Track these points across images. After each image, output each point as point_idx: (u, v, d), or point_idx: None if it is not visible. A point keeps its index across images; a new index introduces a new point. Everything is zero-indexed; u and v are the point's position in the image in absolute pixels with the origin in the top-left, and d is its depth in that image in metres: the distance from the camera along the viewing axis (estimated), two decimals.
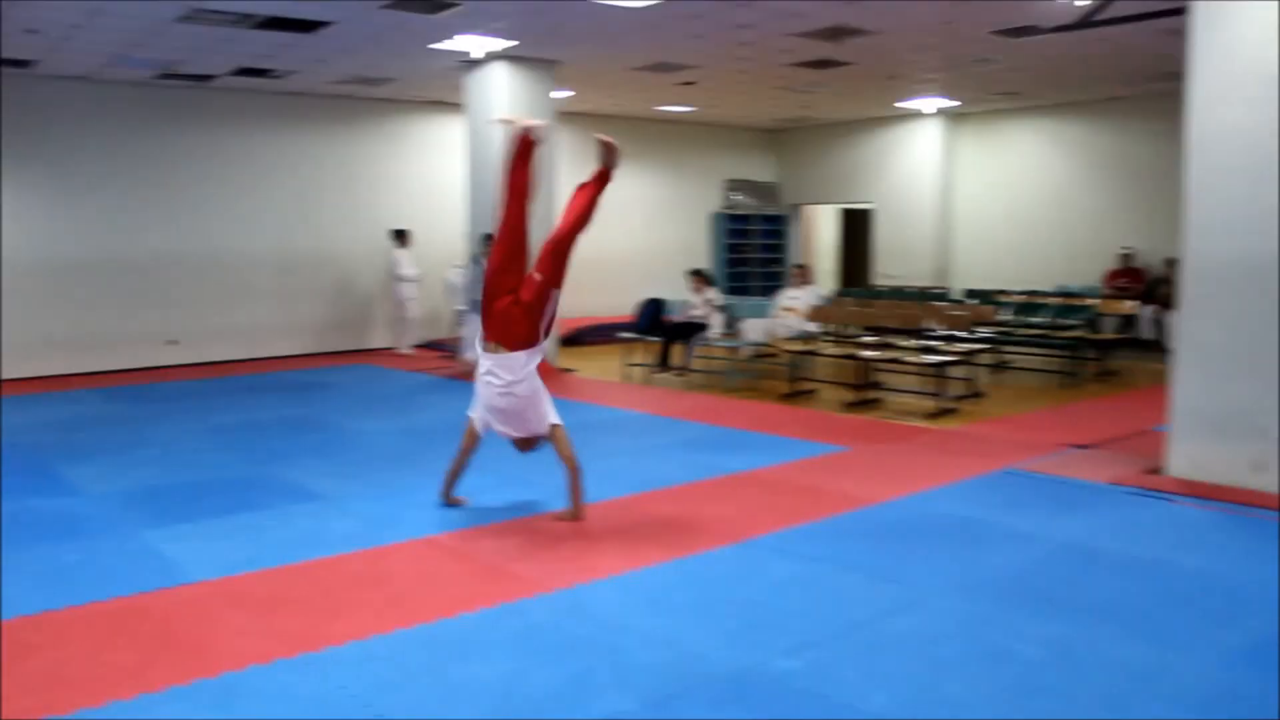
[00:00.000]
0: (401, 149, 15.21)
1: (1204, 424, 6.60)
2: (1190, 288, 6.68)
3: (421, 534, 5.62)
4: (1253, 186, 6.31)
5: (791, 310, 12.51)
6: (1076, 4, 9.01)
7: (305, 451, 7.85)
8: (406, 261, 14.32)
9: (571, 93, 14.32)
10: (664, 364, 11.70)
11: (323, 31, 10.06)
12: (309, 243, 14.33)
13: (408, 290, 14.33)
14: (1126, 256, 15.05)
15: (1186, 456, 6.69)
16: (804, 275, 13.27)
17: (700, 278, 12.24)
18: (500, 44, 11.11)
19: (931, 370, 9.91)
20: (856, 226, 20.27)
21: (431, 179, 15.35)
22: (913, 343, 11.14)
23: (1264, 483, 6.28)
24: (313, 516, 6.01)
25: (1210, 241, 6.54)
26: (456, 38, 10.70)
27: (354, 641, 4.07)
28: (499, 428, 6.05)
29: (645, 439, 8.41)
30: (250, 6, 9.08)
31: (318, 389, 11.19)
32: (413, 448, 8.04)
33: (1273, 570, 5.01)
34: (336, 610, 4.45)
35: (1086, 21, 9.22)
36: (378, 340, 14.92)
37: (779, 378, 11.44)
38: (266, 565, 5.07)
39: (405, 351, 14.28)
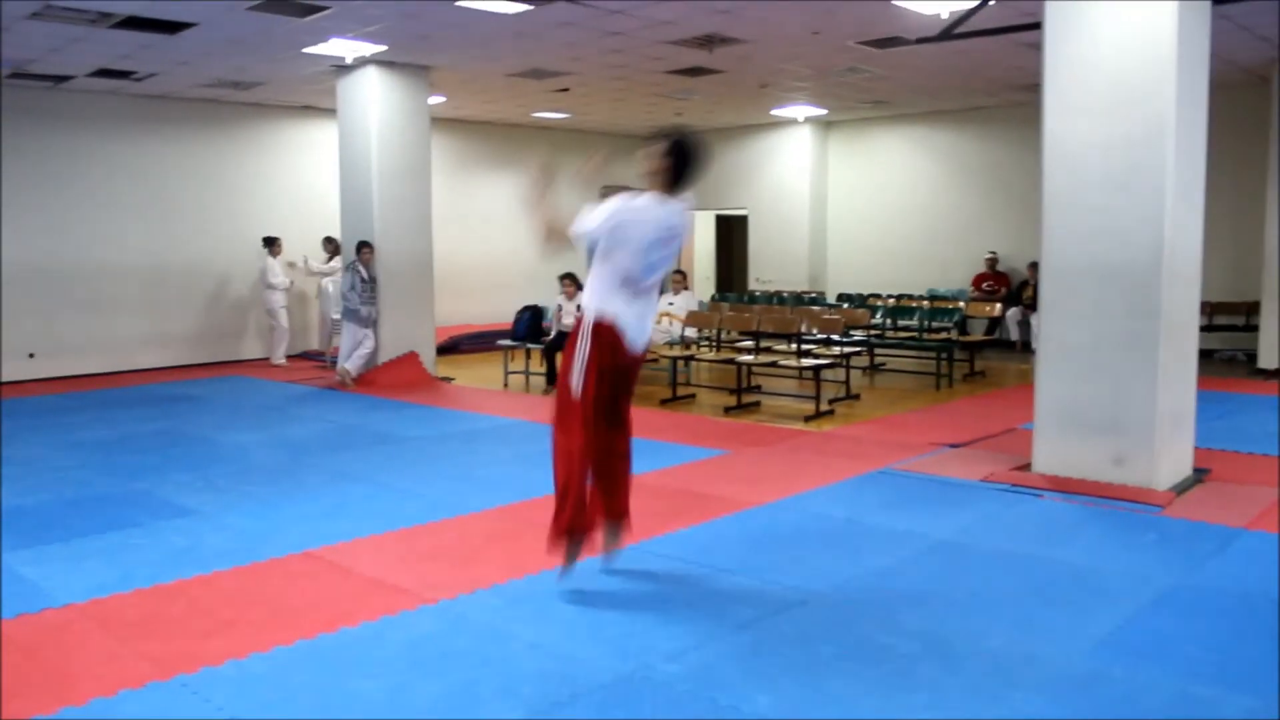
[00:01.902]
0: (273, 155, 14.88)
1: (1067, 421, 6.86)
2: (1049, 290, 6.95)
3: (300, 548, 5.51)
4: (1104, 192, 6.59)
5: (669, 316, 12.60)
6: (941, 16, 9.28)
7: (176, 466, 7.62)
8: (277, 270, 14.03)
9: (445, 99, 14.21)
10: (546, 373, 11.65)
11: (186, 33, 9.78)
12: (177, 251, 13.91)
13: (278, 299, 14.04)
14: (992, 261, 15.55)
15: (1052, 453, 6.95)
16: (681, 281, 13.38)
17: (571, 281, 12.26)
18: (372, 49, 10.97)
19: (808, 374, 10.10)
20: (732, 232, 20.52)
21: (304, 186, 15.06)
22: (789, 347, 11.34)
23: (1124, 476, 6.56)
24: (185, 533, 5.85)
25: (1066, 245, 6.81)
26: (327, 42, 10.52)
27: (232, 661, 3.98)
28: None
29: (526, 446, 8.38)
30: (108, 5, 8.77)
31: (188, 402, 10.88)
32: (288, 460, 7.88)
33: (1133, 560, 5.25)
34: (212, 629, 4.34)
35: (949, 34, 9.50)
36: (251, 351, 14.56)
37: (658, 383, 11.52)
38: (137, 585, 4.92)
39: (279, 362, 13.99)
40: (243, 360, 14.34)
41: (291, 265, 14.35)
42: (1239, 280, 13.19)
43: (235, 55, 10.99)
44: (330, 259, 14.24)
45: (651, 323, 4.76)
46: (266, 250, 14.02)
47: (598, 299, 4.66)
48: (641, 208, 4.46)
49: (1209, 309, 13.14)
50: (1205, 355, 10.45)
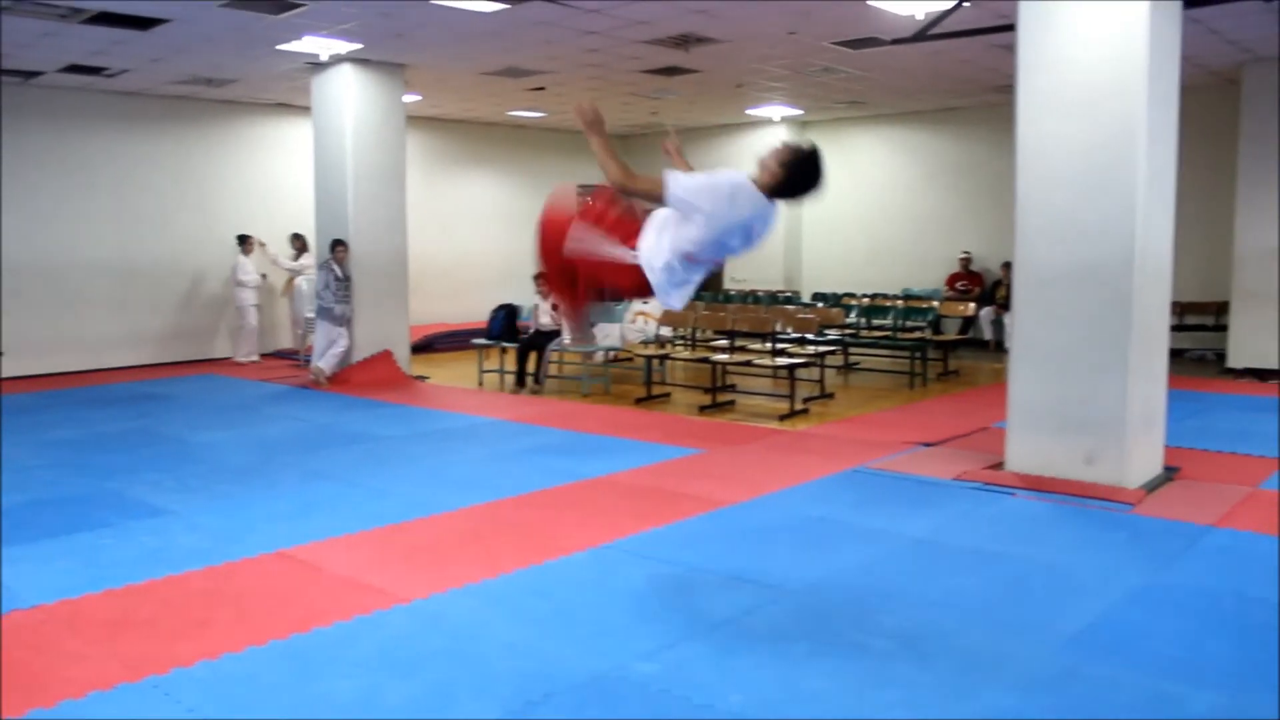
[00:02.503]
0: (247, 153, 14.78)
1: (1040, 419, 6.91)
2: (1023, 290, 6.99)
3: (272, 548, 5.48)
4: (1076, 192, 6.64)
5: (645, 315, 12.61)
6: (916, 18, 9.31)
7: (147, 466, 7.56)
8: (249, 268, 13.95)
9: (419, 97, 14.16)
10: (522, 373, 11.64)
11: (159, 29, 9.70)
12: (150, 249, 13.79)
13: (248, 297, 13.95)
14: (966, 260, 15.63)
15: (1024, 451, 6.99)
16: None
17: (544, 282, 12.25)
18: (347, 46, 10.92)
19: (783, 372, 10.13)
20: None
21: (278, 184, 14.97)
22: (764, 346, 11.37)
23: (1096, 474, 6.61)
24: (157, 533, 5.80)
25: (1040, 246, 6.86)
26: (302, 39, 10.46)
27: (204, 661, 3.96)
28: None
29: (500, 446, 8.37)
30: (80, 1, 8.70)
31: (160, 401, 10.80)
32: (261, 459, 7.83)
33: (1104, 557, 5.29)
34: (184, 630, 4.31)
35: (923, 35, 9.55)
36: (224, 350, 14.46)
37: (634, 382, 11.53)
38: (107, 586, 4.88)
39: (245, 360, 13.91)
40: (215, 359, 14.24)
41: (274, 264, 14.27)
42: (1209, 280, 13.30)
43: (209, 52, 10.92)
44: (297, 256, 14.16)
45: (684, 293, 4.39)
46: (239, 248, 13.95)
47: (652, 254, 4.31)
48: (743, 191, 4.18)
49: (1179, 309, 13.26)
50: (1176, 355, 10.54)
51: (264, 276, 14.24)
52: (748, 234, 4.28)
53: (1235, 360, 12.35)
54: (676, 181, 4.08)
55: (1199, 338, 13.61)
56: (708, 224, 4.10)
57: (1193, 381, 11.24)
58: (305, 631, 4.27)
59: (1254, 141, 12.05)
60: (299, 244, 14.14)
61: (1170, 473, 7.00)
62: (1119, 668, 3.91)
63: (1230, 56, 11.49)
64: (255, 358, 14.06)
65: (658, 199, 4.19)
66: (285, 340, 14.82)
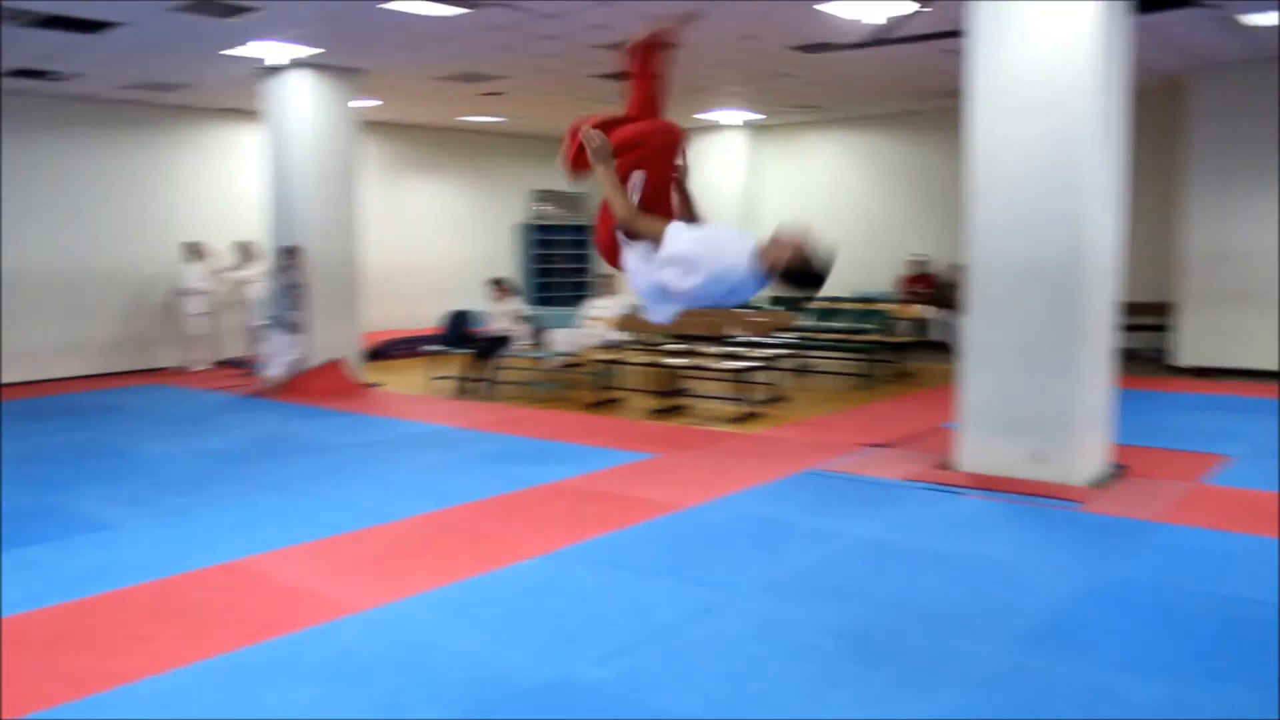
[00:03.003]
0: (198, 159, 14.59)
1: (989, 420, 6.98)
2: (974, 292, 7.06)
3: (221, 559, 5.41)
4: (1027, 194, 6.72)
5: (598, 320, 12.59)
6: (870, 23, 9.37)
7: (93, 478, 7.44)
8: (196, 276, 13.78)
9: (377, 102, 14.07)
10: (474, 378, 11.59)
11: (108, 33, 9.56)
12: (96, 257, 13.58)
13: (196, 305, 13.79)
14: (918, 263, 15.73)
15: (974, 451, 7.06)
16: (611, 285, 13.38)
17: (502, 287, 12.20)
18: (300, 51, 10.83)
19: (735, 376, 10.15)
20: None
21: (229, 190, 14.79)
22: (717, 349, 11.38)
23: (1043, 473, 6.69)
24: (102, 547, 5.71)
25: (991, 248, 6.93)
26: (254, 44, 10.36)
27: (149, 678, 3.90)
28: None
29: (452, 453, 8.33)
30: (27, 3, 8.55)
31: (106, 412, 10.64)
32: (210, 470, 7.72)
33: (1053, 555, 5.35)
34: (129, 646, 4.25)
35: (877, 40, 9.63)
36: (172, 359, 14.25)
37: (586, 387, 11.51)
38: (50, 602, 4.79)
39: (194, 368, 13.74)
40: (163, 369, 14.05)
41: (214, 275, 14.08)
42: (1157, 281, 13.48)
43: (159, 56, 10.78)
44: (242, 264, 14.01)
45: (666, 312, 4.13)
46: (187, 256, 13.78)
47: (638, 267, 4.02)
48: (740, 263, 3.95)
49: (1128, 309, 13.39)
50: (1124, 354, 10.67)
51: (212, 288, 14.05)
52: (730, 291, 4.12)
53: (1182, 359, 12.54)
54: (677, 238, 3.91)
55: (1147, 337, 13.79)
56: (693, 279, 3.97)
57: (1140, 380, 11.39)
58: (254, 644, 4.22)
59: (1202, 146, 12.25)
60: (245, 252, 13.98)
61: (1118, 470, 7.09)
62: (1067, 663, 3.96)
63: (1179, 62, 11.66)
64: (205, 366, 13.90)
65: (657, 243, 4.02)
66: (235, 349, 14.62)
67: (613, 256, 4.13)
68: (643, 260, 3.96)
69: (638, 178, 4.07)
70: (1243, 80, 11.87)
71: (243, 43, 10.29)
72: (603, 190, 4.02)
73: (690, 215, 4.22)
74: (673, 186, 4.25)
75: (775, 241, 3.85)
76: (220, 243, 14.20)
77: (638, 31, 4.49)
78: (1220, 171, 12.12)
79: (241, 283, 14.02)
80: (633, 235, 3.97)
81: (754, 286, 3.97)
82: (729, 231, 4.03)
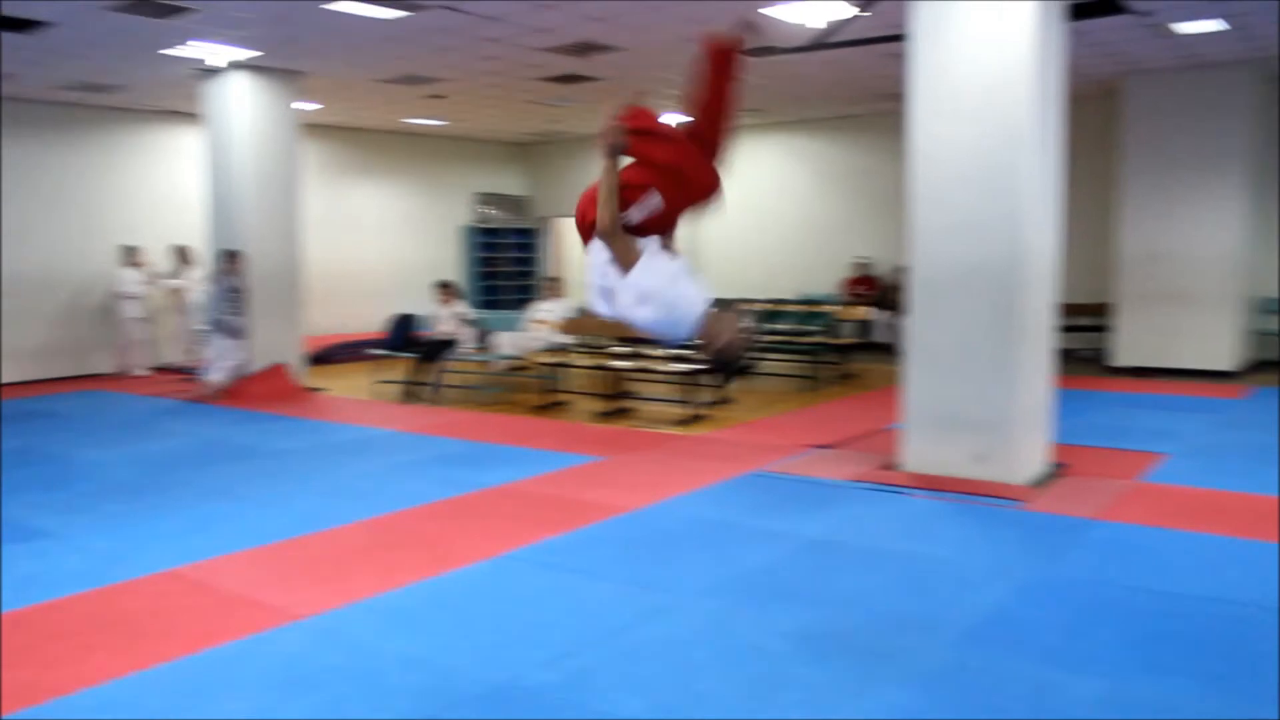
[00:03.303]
0: (135, 161, 14.36)
1: (932, 420, 7.06)
2: (917, 293, 7.14)
3: (162, 567, 5.32)
4: (967, 196, 6.81)
5: (543, 323, 12.56)
6: (813, 27, 9.44)
7: (27, 486, 7.28)
8: (133, 280, 13.56)
9: (319, 105, 13.95)
10: (419, 382, 11.51)
11: (42, 32, 9.39)
12: (31, 261, 13.30)
13: (133, 309, 13.56)
14: (862, 265, 15.88)
15: (918, 451, 7.14)
16: (556, 288, 13.36)
17: (448, 290, 12.14)
18: (240, 53, 10.71)
19: (681, 378, 10.17)
20: None
21: (167, 193, 14.57)
22: (662, 352, 11.40)
23: (986, 472, 6.77)
24: (37, 556, 5.59)
25: (932, 250, 7.01)
26: (192, 45, 10.22)
27: (86, 689, 3.83)
28: None
29: (397, 457, 8.27)
30: None
31: (41, 418, 10.43)
32: (150, 476, 7.60)
33: (995, 553, 5.42)
34: (64, 657, 4.17)
35: (819, 44, 9.69)
36: (110, 364, 14.01)
37: (532, 390, 11.49)
38: None
39: (132, 373, 13.52)
40: (101, 374, 13.81)
41: (150, 282, 13.83)
42: (1094, 283, 13.70)
43: (95, 57, 10.60)
44: (179, 269, 13.76)
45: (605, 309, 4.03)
46: (124, 260, 13.56)
47: (594, 268, 3.98)
48: (690, 307, 3.90)
49: (1066, 310, 13.60)
50: (1063, 354, 10.83)
51: (148, 292, 13.81)
52: (667, 331, 4.07)
53: (1119, 359, 12.77)
54: (642, 273, 3.81)
55: (1085, 338, 14.02)
56: (644, 312, 3.92)
57: (1079, 380, 11.58)
58: (196, 653, 4.16)
59: (1135, 150, 12.50)
60: (182, 256, 13.76)
61: (1058, 469, 7.20)
62: (1009, 659, 4.01)
63: (1111, 68, 11.87)
64: (144, 372, 13.68)
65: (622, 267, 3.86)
66: (175, 354, 14.40)
67: (587, 236, 4.00)
68: (605, 265, 3.92)
69: (655, 199, 3.87)
70: (1174, 86, 12.12)
71: (181, 43, 10.15)
72: (599, 179, 3.84)
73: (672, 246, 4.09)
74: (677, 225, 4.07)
75: (718, 320, 3.83)
76: (158, 246, 13.99)
77: (714, 33, 4.21)
78: (1153, 175, 12.36)
79: (178, 290, 13.80)
80: (607, 238, 3.83)
81: (689, 336, 3.97)
82: (691, 282, 3.95)
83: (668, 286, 3.81)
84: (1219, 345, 12.19)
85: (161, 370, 13.95)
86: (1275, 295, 13.00)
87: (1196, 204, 12.14)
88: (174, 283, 13.78)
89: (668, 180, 3.89)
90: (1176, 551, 5.45)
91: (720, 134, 4.11)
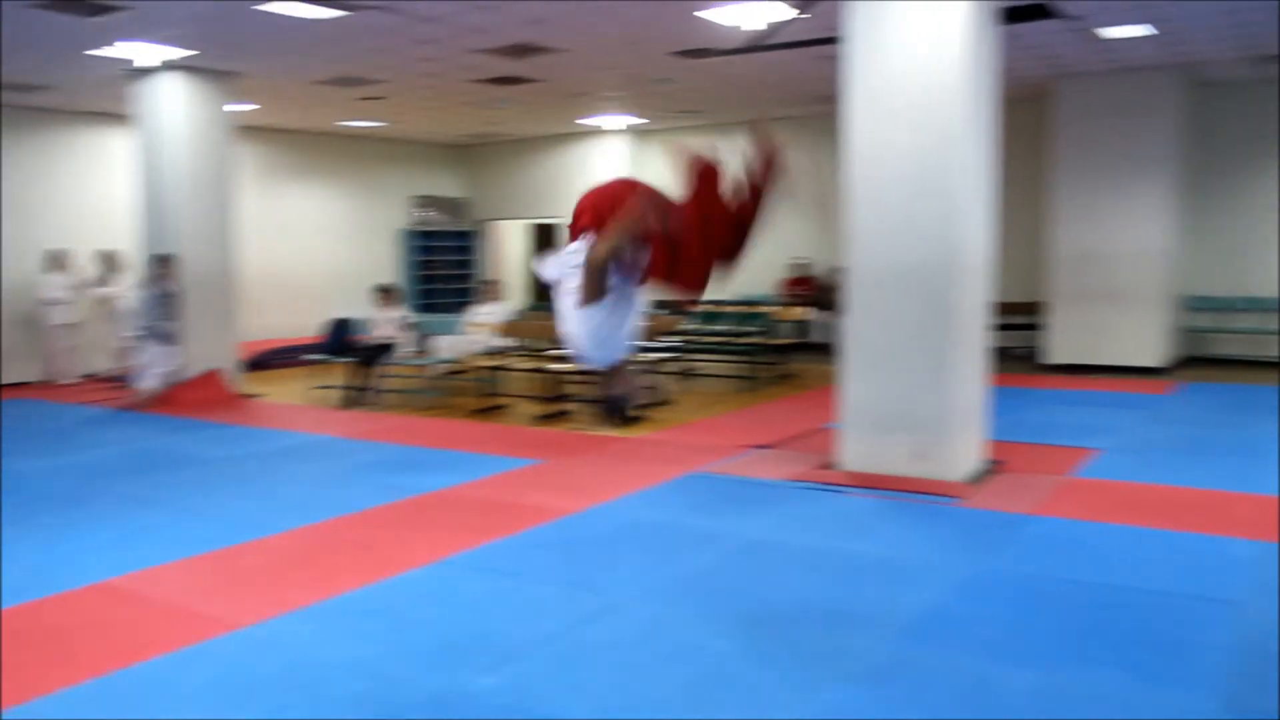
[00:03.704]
0: (63, 163, 14.03)
1: (869, 419, 7.12)
2: (853, 293, 7.20)
3: (94, 579, 5.21)
4: (902, 196, 6.88)
5: (482, 326, 12.51)
6: (749, 29, 9.49)
7: None
8: (59, 285, 13.26)
9: (253, 106, 13.76)
10: (357, 387, 11.39)
11: None
12: None
13: (58, 316, 13.27)
14: (799, 266, 15.99)
15: (856, 450, 7.20)
16: (494, 291, 13.31)
17: (387, 294, 12.04)
18: (172, 53, 10.53)
19: None
20: (545, 242, 20.52)
21: (97, 197, 14.27)
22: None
23: (924, 470, 6.85)
24: None
25: (868, 250, 7.08)
26: (122, 44, 10.03)
27: (14, 707, 3.73)
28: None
29: (335, 463, 8.18)
30: None
31: None
32: (79, 487, 7.43)
33: (933, 549, 5.49)
34: None
35: (755, 46, 9.75)
36: (37, 372, 13.65)
37: (471, 394, 11.43)
38: None
39: (61, 381, 13.25)
40: (27, 383, 13.48)
41: (76, 289, 13.51)
42: (1027, 282, 13.92)
43: (19, 56, 10.35)
44: (107, 275, 13.42)
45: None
46: (49, 265, 13.26)
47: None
48: (615, 348, 4.04)
49: (1001, 309, 13.80)
50: (998, 352, 10.98)
51: (75, 299, 13.50)
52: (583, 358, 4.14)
53: (1051, 356, 12.98)
54: (585, 318, 3.89)
55: (1018, 336, 14.23)
56: (574, 345, 4.01)
57: (1013, 378, 11.75)
58: (129, 666, 4.08)
59: (1066, 151, 12.72)
60: (109, 262, 13.46)
61: (993, 466, 7.30)
62: (947, 654, 4.06)
63: (1044, 71, 12.07)
64: (73, 380, 13.40)
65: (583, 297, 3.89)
66: (103, 361, 14.05)
67: (575, 236, 3.98)
68: (570, 269, 3.94)
69: (645, 256, 3.89)
70: (1103, 89, 12.36)
71: (111, 43, 9.96)
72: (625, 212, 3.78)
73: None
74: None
75: (620, 373, 4.07)
76: (88, 251, 13.69)
77: (757, 145, 4.11)
78: (1084, 175, 12.60)
79: (105, 299, 13.45)
80: (590, 267, 3.80)
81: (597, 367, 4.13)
82: (623, 329, 4.02)
83: (594, 334, 3.91)
84: (1148, 342, 12.45)
85: (90, 378, 13.67)
86: (1202, 293, 13.31)
87: (1126, 204, 12.38)
88: (102, 291, 13.46)
89: (668, 250, 3.89)
90: (1109, 545, 5.55)
91: (740, 244, 4.13)
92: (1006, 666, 3.93)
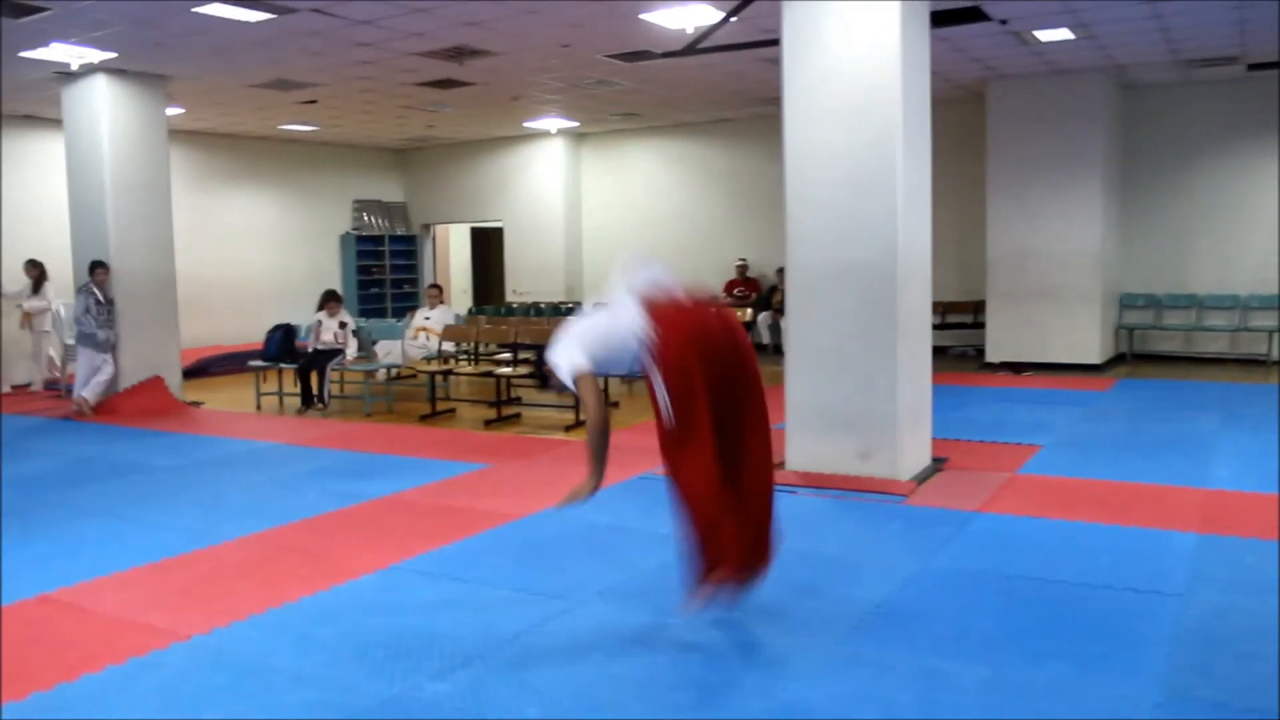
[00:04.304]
0: None
1: (815, 419, 7.17)
2: (794, 294, 7.25)
3: (33, 592, 5.11)
4: (842, 197, 6.95)
5: (426, 330, 12.45)
6: (686, 31, 9.52)
7: None
8: None
9: (186, 110, 13.57)
10: (307, 394, 11.25)
11: None
12: None
13: None
14: (743, 267, 16.09)
15: (803, 450, 7.24)
16: (438, 295, 13.25)
17: (331, 300, 11.93)
18: (100, 55, 10.35)
19: None
20: (488, 245, 20.46)
21: (27, 202, 13.97)
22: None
23: (870, 469, 6.92)
24: None
25: (809, 249, 7.13)
26: (48, 46, 9.82)
27: None
28: None
29: (281, 470, 8.09)
30: None
31: None
32: (17, 498, 7.25)
33: (881, 547, 5.55)
34: None
35: (692, 48, 9.78)
36: None
37: (417, 399, 11.36)
38: None
39: None
40: None
41: (8, 298, 13.15)
42: (966, 281, 14.12)
43: None
44: (36, 286, 12.94)
45: None
46: None
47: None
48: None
49: (941, 308, 14.01)
50: (940, 351, 11.14)
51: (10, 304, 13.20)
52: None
53: (992, 355, 13.17)
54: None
55: (960, 335, 14.43)
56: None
57: (955, 376, 11.91)
58: (73, 680, 4.00)
59: (999, 152, 12.92)
60: (35, 271, 13.05)
61: (938, 464, 7.39)
62: (897, 650, 4.11)
63: (976, 73, 12.24)
64: (4, 390, 13.08)
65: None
66: (29, 372, 13.65)
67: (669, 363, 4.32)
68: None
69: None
70: (1034, 90, 12.57)
71: (36, 45, 9.74)
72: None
73: None
74: None
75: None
76: (17, 260, 13.30)
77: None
78: (1018, 175, 12.80)
79: (32, 312, 13.06)
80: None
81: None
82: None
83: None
84: (1086, 340, 12.66)
85: (20, 388, 13.36)
86: (1137, 291, 13.57)
87: (1059, 203, 12.59)
88: (29, 304, 13.02)
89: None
90: (1053, 540, 5.64)
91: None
92: (956, 661, 3.99)
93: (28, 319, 13.04)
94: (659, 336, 4.21)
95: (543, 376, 4.62)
